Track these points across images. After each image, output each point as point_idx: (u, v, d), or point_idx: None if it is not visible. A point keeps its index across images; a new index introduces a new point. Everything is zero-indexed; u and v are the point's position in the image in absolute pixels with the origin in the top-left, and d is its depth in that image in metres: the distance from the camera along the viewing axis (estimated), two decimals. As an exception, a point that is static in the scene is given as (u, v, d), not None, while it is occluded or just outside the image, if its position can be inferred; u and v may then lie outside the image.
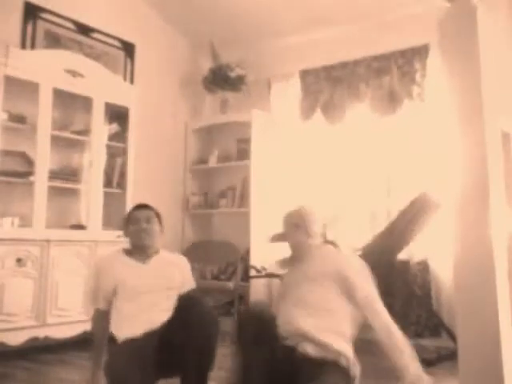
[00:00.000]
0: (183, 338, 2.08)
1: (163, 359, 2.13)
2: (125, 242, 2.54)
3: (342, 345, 1.98)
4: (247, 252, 4.44)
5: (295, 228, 2.32)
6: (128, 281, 2.35)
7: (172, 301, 2.29)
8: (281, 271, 2.53)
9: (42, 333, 3.39)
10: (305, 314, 2.04)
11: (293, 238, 2.33)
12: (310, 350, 1.94)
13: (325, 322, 2.02)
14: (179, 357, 2.10)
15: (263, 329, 1.99)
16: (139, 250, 2.47)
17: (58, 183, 3.74)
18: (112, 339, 2.31)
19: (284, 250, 2.42)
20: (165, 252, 2.56)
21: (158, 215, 2.55)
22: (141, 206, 2.56)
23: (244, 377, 1.98)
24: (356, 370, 1.99)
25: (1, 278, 3.25)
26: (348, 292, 2.06)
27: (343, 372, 1.92)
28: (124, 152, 4.14)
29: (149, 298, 2.28)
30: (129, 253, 2.49)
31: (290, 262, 2.38)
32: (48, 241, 3.48)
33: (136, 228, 2.45)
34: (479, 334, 1.13)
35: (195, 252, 4.71)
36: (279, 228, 2.43)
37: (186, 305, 2.18)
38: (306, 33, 4.55)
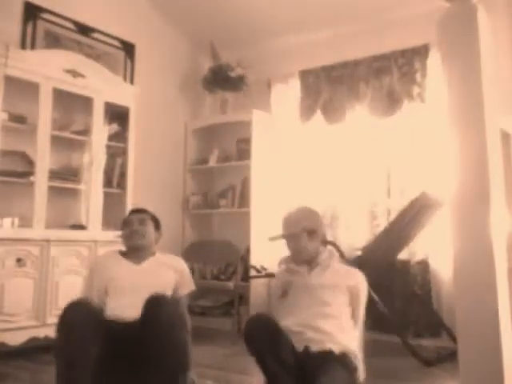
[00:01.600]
0: (149, 338, 2.09)
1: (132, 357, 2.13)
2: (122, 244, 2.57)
3: (353, 344, 2.17)
4: (247, 252, 4.44)
5: (309, 233, 2.29)
6: (117, 279, 2.38)
7: None
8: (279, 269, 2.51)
9: (42, 333, 3.39)
10: (321, 316, 2.15)
11: (303, 242, 2.29)
12: (332, 347, 2.07)
13: (339, 324, 2.17)
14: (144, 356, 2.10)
15: (273, 334, 2.06)
16: (133, 251, 2.51)
17: (57, 183, 3.74)
18: None
19: (283, 250, 2.42)
20: (162, 254, 2.58)
21: (154, 219, 2.60)
22: (136, 210, 2.63)
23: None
24: (360, 365, 2.16)
25: (1, 278, 3.24)
26: (353, 305, 2.25)
27: (350, 366, 2.09)
28: (124, 152, 4.14)
29: (138, 298, 2.26)
30: (124, 254, 2.53)
31: (292, 263, 2.36)
32: (48, 241, 3.48)
33: (129, 229, 2.51)
34: (479, 334, 1.13)
35: (195, 252, 4.71)
36: (279, 227, 2.40)
37: (152, 305, 2.16)
38: (306, 33, 4.55)
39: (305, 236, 2.29)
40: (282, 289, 2.32)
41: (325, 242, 2.47)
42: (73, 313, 2.08)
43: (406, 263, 3.84)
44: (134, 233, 2.48)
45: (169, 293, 2.43)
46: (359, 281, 2.28)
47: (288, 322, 2.15)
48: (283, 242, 2.37)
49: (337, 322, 2.15)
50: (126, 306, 2.26)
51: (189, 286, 2.55)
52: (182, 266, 2.58)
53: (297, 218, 2.36)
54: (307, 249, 2.30)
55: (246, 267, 4.38)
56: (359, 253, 3.50)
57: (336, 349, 2.07)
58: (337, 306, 2.19)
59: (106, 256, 2.67)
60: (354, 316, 2.24)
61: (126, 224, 2.55)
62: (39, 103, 3.57)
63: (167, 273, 2.49)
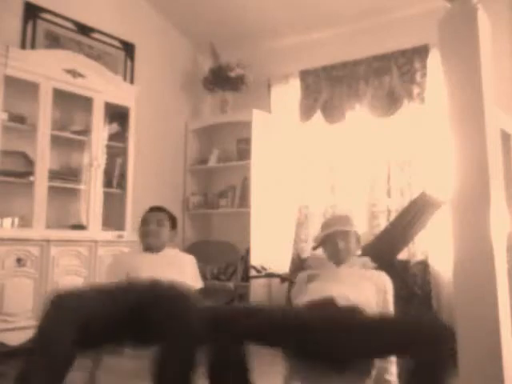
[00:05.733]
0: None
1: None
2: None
3: None
4: (247, 252, 4.44)
5: (354, 235, 2.28)
6: (140, 268, 2.45)
7: None
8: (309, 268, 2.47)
9: (41, 333, 3.39)
10: (351, 294, 2.07)
11: (353, 242, 2.29)
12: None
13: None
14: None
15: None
16: (148, 249, 2.61)
17: (57, 183, 3.74)
18: None
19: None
20: (175, 249, 2.72)
21: (171, 218, 2.67)
22: (154, 208, 2.69)
23: None
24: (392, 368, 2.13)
25: (1, 278, 3.25)
26: (381, 305, 2.17)
27: None
28: (124, 152, 4.14)
29: None
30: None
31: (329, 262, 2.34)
32: (48, 241, 3.48)
33: (145, 229, 2.58)
34: (479, 334, 1.13)
35: (195, 252, 4.65)
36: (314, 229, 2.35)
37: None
38: (306, 33, 4.55)
39: (354, 238, 2.28)
40: (307, 279, 2.26)
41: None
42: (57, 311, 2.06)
43: (405, 263, 3.84)
44: (150, 232, 2.56)
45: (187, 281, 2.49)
46: (386, 283, 2.22)
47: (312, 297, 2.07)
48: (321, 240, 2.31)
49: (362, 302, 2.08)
50: None
51: (198, 282, 2.63)
52: (194, 262, 2.68)
53: (349, 218, 2.36)
54: (353, 251, 2.27)
55: (246, 267, 4.38)
56: (359, 253, 3.50)
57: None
58: (364, 292, 2.11)
59: (124, 252, 2.88)
60: None
61: (143, 222, 2.61)
62: (39, 103, 3.57)
63: (183, 264, 2.59)
